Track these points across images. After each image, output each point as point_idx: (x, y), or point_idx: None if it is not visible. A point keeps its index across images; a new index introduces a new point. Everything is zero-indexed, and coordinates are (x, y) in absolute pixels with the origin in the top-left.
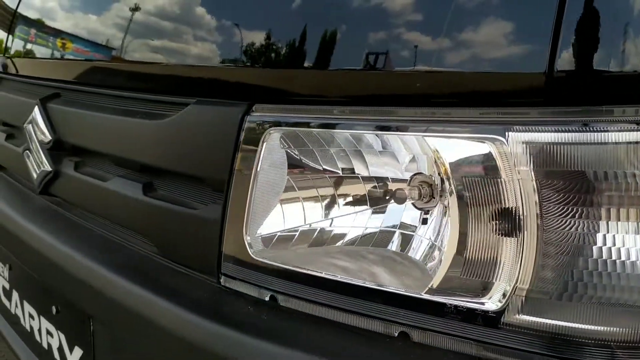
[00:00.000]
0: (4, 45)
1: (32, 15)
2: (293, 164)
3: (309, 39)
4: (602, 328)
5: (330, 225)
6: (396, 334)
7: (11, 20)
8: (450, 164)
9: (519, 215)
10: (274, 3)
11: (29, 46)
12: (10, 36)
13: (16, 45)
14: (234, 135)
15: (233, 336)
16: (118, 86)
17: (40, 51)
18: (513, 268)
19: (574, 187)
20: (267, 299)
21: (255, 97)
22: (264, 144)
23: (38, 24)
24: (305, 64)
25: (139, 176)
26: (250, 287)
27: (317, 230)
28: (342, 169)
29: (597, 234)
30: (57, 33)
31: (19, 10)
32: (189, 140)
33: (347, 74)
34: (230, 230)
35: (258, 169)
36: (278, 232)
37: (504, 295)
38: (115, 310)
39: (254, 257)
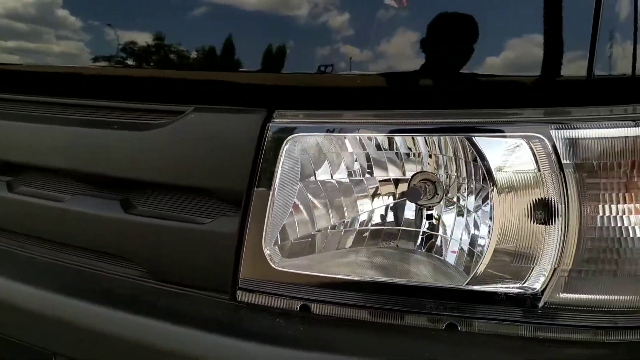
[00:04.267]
0: None
1: None
2: (313, 171)
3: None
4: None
5: (352, 227)
6: (443, 327)
7: None
8: (494, 159)
9: (560, 206)
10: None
11: None
12: None
13: None
14: (254, 143)
15: (279, 352)
16: (77, 94)
17: None
18: (555, 252)
19: (611, 176)
20: (297, 308)
21: (271, 103)
22: (285, 152)
23: None
24: (334, 66)
25: (111, 193)
26: (276, 299)
27: (341, 234)
28: (365, 172)
29: (633, 219)
30: None
31: None
32: (190, 150)
33: (380, 76)
34: (250, 242)
35: (278, 178)
36: (300, 239)
37: (546, 277)
38: (100, 344)
39: (278, 267)
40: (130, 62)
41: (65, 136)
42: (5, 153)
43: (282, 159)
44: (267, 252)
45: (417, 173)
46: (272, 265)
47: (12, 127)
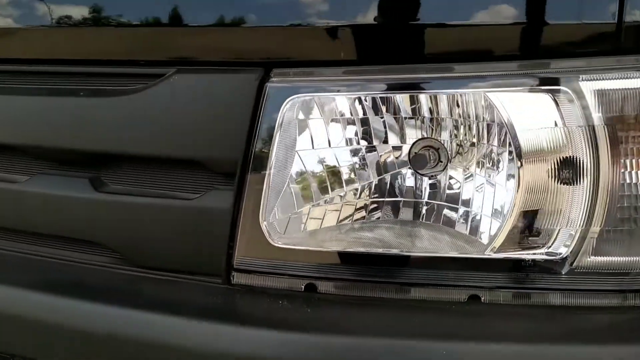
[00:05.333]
0: None
1: None
2: (314, 136)
3: None
4: None
5: (354, 198)
6: (465, 299)
7: None
8: (515, 116)
9: (589, 163)
10: None
11: None
12: None
13: None
14: (249, 107)
15: (288, 338)
16: (33, 60)
17: None
18: (584, 213)
19: None
20: (302, 288)
21: (268, 60)
22: (285, 115)
23: None
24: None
25: (77, 170)
26: (278, 279)
27: (343, 205)
28: (371, 138)
29: None
30: None
31: None
32: (173, 117)
33: (393, 29)
34: (246, 218)
35: (277, 144)
36: (299, 212)
37: (574, 240)
38: (72, 342)
39: (279, 244)
40: (95, 16)
41: (19, 108)
42: None
43: (281, 124)
44: (265, 227)
45: (420, 139)
46: (272, 242)
47: None
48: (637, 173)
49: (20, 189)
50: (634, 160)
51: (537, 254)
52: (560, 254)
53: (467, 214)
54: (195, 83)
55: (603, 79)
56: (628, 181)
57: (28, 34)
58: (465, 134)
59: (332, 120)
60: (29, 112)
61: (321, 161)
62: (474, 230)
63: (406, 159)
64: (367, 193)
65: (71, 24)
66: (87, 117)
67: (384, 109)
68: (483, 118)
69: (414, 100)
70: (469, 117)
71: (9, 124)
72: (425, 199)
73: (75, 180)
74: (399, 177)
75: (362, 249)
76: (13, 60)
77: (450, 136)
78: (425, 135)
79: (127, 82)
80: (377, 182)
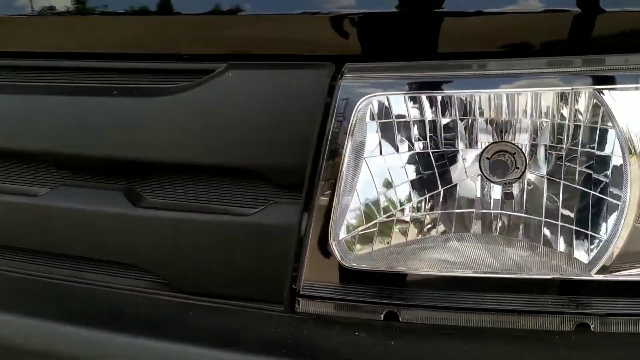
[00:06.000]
0: None
1: None
2: (390, 140)
3: None
4: None
5: (437, 210)
6: (572, 328)
7: None
8: (631, 117)
9: None
10: None
11: None
12: None
13: None
14: (318, 108)
15: None
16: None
17: None
18: None
19: None
20: (381, 317)
21: (341, 54)
22: (359, 117)
23: None
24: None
25: (110, 182)
26: (351, 307)
27: (425, 219)
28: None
29: None
30: None
31: None
32: (225, 120)
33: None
34: (313, 236)
35: (349, 151)
36: (374, 229)
37: None
38: None
39: (352, 266)
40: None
41: (39, 108)
42: None
43: (354, 127)
44: (335, 247)
45: (493, 143)
46: (343, 264)
47: None
48: None
49: (41, 203)
50: None
51: None
52: None
53: (566, 229)
54: (251, 81)
55: None
56: None
57: (49, 22)
58: (562, 137)
59: (413, 123)
60: (50, 113)
61: (399, 169)
62: (578, 247)
63: (488, 165)
64: (449, 205)
65: (100, 12)
66: (121, 120)
67: (476, 109)
68: (587, 119)
69: (510, 100)
70: (569, 118)
71: (27, 128)
72: (520, 213)
73: (107, 193)
74: (486, 186)
75: (449, 271)
76: (32, 54)
77: (550, 138)
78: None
79: (167, 80)
80: (460, 193)
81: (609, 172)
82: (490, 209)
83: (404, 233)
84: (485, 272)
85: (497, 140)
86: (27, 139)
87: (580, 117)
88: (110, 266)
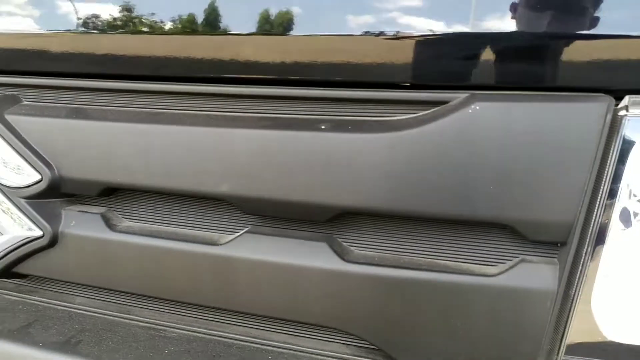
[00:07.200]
0: None
1: None
2: None
3: None
4: None
5: None
6: None
7: None
8: None
9: None
10: None
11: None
12: None
13: None
14: (593, 148)
15: None
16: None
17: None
18: None
19: None
20: None
21: (619, 84)
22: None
23: None
24: None
25: (311, 230)
26: None
27: None
28: None
29: None
30: None
31: None
32: (465, 162)
33: None
34: (578, 303)
35: (634, 200)
36: None
37: None
38: None
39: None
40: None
41: (224, 143)
42: (111, 171)
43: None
44: (600, 316)
45: None
46: (619, 339)
47: (128, 132)
48: None
49: (221, 252)
50: None
51: None
52: None
53: None
54: (501, 115)
55: None
56: None
57: (253, 43)
58: None
59: None
60: (238, 148)
61: None
62: None
63: None
64: None
65: (308, 34)
66: (328, 158)
67: None
68: None
69: None
70: None
71: (208, 165)
72: None
73: (305, 244)
74: None
75: None
76: (218, 80)
77: None
78: None
79: (385, 111)
80: None
81: None
82: None
83: None
84: None
85: None
86: (208, 178)
87: None
88: (304, 327)
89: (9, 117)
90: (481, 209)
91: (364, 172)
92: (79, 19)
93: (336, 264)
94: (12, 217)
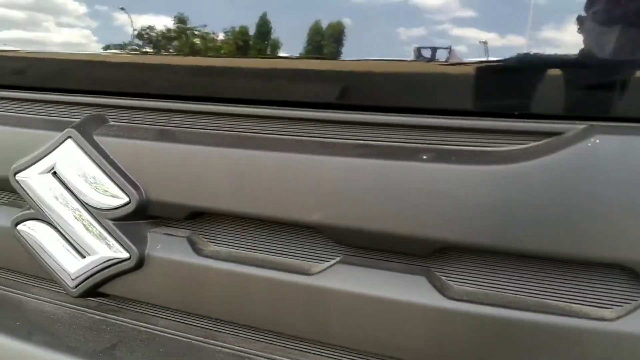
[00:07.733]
0: None
1: None
2: None
3: None
4: None
5: None
6: None
7: None
8: None
9: None
10: None
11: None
12: None
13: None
14: None
15: None
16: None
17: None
18: None
19: None
20: None
21: None
22: None
23: None
24: None
25: (406, 262)
26: None
27: None
28: None
29: None
30: None
31: None
32: (584, 199)
33: None
34: None
35: None
36: None
37: None
38: None
39: None
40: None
41: (322, 170)
42: (199, 195)
43: None
44: None
45: None
46: None
47: (217, 155)
48: None
49: (314, 283)
50: None
51: None
52: None
53: None
54: (625, 150)
55: None
56: None
57: (348, 67)
58: None
59: None
60: (332, 175)
61: None
62: None
63: None
64: None
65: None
66: (430, 190)
67: None
68: None
69: None
70: None
71: (301, 193)
72: None
73: (402, 277)
74: None
75: None
76: (313, 105)
77: None
78: None
79: (487, 142)
80: None
81: None
82: None
83: None
84: None
85: None
86: (299, 206)
87: None
88: None
89: (98, 139)
90: (599, 249)
91: (469, 206)
92: (166, 40)
93: (436, 300)
94: (99, 239)
